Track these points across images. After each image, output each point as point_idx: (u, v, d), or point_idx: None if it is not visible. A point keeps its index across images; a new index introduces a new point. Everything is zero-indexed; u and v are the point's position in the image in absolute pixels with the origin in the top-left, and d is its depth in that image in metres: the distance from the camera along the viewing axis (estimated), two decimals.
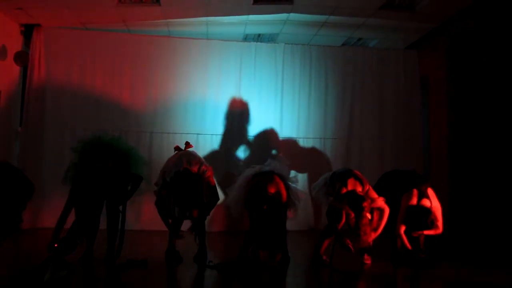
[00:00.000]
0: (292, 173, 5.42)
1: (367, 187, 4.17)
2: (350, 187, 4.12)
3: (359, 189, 4.11)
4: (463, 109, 6.14)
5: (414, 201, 4.23)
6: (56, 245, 1.54)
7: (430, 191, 4.32)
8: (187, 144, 4.67)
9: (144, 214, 6.02)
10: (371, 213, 4.04)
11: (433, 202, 4.26)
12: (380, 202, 4.14)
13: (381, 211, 4.13)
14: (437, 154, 6.61)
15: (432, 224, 4.14)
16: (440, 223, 4.25)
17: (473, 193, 5.82)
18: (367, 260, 4.31)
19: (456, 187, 6.00)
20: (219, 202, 4.50)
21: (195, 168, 4.13)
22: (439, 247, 4.68)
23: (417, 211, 4.17)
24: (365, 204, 3.97)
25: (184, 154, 4.35)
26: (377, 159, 6.85)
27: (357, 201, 3.98)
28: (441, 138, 6.46)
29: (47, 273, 1.51)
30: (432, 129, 6.82)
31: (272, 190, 4.09)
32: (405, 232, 4.23)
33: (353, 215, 3.96)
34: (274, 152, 6.73)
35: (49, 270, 1.52)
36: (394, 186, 4.43)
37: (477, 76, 6.00)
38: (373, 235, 4.11)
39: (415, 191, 4.26)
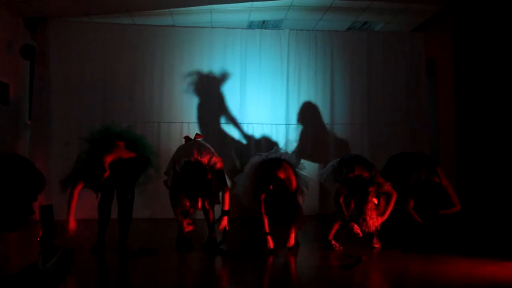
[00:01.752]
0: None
1: (374, 172, 4.18)
2: (357, 173, 4.14)
3: (365, 174, 4.13)
4: (471, 92, 6.08)
5: (423, 178, 4.23)
6: (38, 239, 1.56)
7: (439, 170, 4.32)
8: (197, 135, 4.70)
9: (154, 202, 6.08)
10: (378, 198, 4.06)
11: (442, 180, 4.26)
12: (387, 187, 4.14)
13: (388, 195, 4.15)
14: (445, 138, 6.58)
15: (440, 198, 4.13)
16: (455, 200, 4.25)
17: (482, 178, 5.79)
18: (377, 244, 4.33)
19: (464, 174, 5.97)
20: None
21: (205, 159, 4.14)
22: (448, 234, 4.68)
23: (428, 187, 4.16)
24: (371, 188, 3.98)
25: (195, 144, 4.36)
26: (384, 144, 6.82)
27: (363, 186, 3.99)
28: (449, 121, 6.41)
29: (40, 266, 1.54)
30: (439, 112, 6.77)
31: (281, 175, 4.10)
32: (422, 211, 4.21)
33: (359, 199, 3.99)
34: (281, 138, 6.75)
35: (41, 262, 1.55)
36: (403, 167, 4.44)
37: (485, 58, 5.92)
38: (380, 220, 4.13)
39: (423, 170, 4.27)
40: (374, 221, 3.99)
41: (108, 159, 3.90)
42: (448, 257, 3.97)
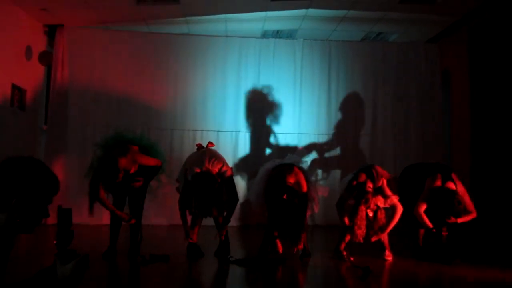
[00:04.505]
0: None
1: (380, 183, 4.14)
2: (361, 180, 4.12)
3: (370, 184, 4.09)
4: (485, 103, 6.01)
5: (438, 183, 4.16)
6: (55, 242, 1.58)
7: (454, 176, 4.25)
8: (209, 143, 4.71)
9: (166, 209, 6.10)
10: (375, 212, 4.03)
11: (458, 186, 4.19)
12: (394, 199, 4.11)
13: (393, 209, 4.11)
14: (459, 149, 6.51)
15: (458, 205, 4.03)
16: (471, 207, 4.17)
17: (495, 189, 5.70)
18: (388, 256, 4.28)
19: (478, 184, 5.89)
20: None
21: (216, 168, 4.15)
22: (461, 242, 4.62)
23: (442, 193, 4.09)
24: (368, 197, 3.96)
25: (206, 153, 4.35)
26: (399, 154, 6.79)
27: (360, 194, 3.98)
28: (463, 132, 6.35)
29: (57, 269, 1.55)
30: (454, 124, 6.71)
31: (291, 180, 4.09)
32: (436, 219, 4.14)
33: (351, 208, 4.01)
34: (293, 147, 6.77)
35: (58, 266, 1.56)
36: (417, 175, 4.39)
37: (500, 69, 5.86)
38: (381, 234, 4.11)
39: (439, 175, 4.19)
40: (362, 232, 3.97)
41: (122, 161, 3.91)
42: (461, 265, 3.93)
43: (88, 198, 3.90)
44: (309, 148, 6.80)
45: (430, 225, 4.12)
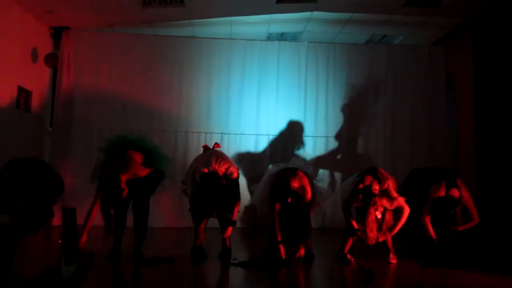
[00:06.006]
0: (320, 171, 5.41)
1: (386, 186, 4.13)
2: (367, 183, 4.11)
3: (375, 186, 4.09)
4: (490, 107, 5.99)
5: (442, 191, 4.17)
6: (60, 241, 1.58)
7: (459, 182, 4.25)
8: (216, 144, 4.73)
9: (169, 212, 6.10)
10: (384, 213, 4.02)
11: (463, 192, 4.19)
12: (400, 201, 4.10)
13: (399, 211, 4.10)
14: (464, 153, 6.48)
15: (455, 217, 4.05)
16: (474, 213, 4.18)
17: (501, 192, 5.67)
18: (393, 259, 4.26)
19: (483, 187, 5.86)
20: (242, 201, 4.51)
21: (222, 168, 4.16)
22: (466, 247, 4.59)
23: (445, 203, 4.10)
24: (375, 200, 3.95)
25: (213, 153, 4.37)
26: (403, 158, 6.77)
27: (367, 197, 3.97)
28: (468, 135, 6.32)
29: (62, 269, 1.56)
30: (458, 127, 6.68)
31: (295, 184, 4.09)
32: (438, 226, 4.15)
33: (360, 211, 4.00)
34: (298, 150, 6.76)
35: (62, 266, 1.57)
36: (422, 180, 4.38)
37: (505, 72, 5.83)
38: (388, 235, 4.11)
39: (443, 182, 4.20)
40: (374, 234, 3.97)
41: (124, 178, 3.85)
42: (466, 271, 3.90)
43: (104, 220, 3.90)
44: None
45: (434, 236, 4.14)
